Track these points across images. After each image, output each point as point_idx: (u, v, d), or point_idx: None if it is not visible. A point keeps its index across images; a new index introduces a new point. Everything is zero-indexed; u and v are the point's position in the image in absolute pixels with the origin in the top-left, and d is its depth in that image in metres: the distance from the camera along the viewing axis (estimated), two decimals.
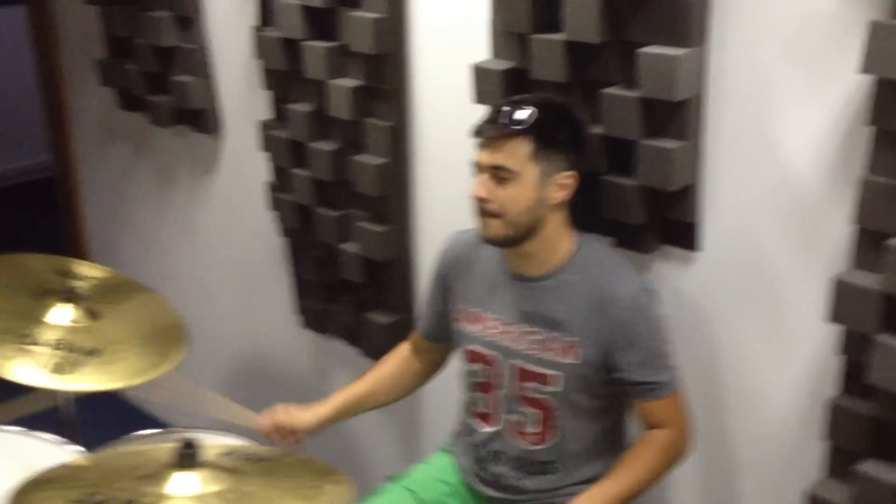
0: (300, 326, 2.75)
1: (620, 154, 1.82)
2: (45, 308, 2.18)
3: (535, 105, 1.73)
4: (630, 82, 1.75)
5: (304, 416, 2.05)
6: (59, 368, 2.04)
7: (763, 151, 1.69)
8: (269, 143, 2.57)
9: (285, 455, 1.70)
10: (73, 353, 2.08)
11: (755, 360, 1.82)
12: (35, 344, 2.06)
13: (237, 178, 2.84)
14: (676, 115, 1.71)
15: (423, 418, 2.57)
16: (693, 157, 1.75)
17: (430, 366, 2.13)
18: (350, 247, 2.43)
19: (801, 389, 1.77)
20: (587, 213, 1.90)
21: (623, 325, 1.73)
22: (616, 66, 1.79)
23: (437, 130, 2.23)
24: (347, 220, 2.44)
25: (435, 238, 2.11)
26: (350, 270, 2.45)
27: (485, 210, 1.75)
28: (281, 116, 2.51)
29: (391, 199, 2.32)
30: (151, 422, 3.16)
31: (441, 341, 2.04)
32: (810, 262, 1.69)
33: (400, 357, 2.14)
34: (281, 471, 1.62)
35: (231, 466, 1.59)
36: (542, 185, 1.72)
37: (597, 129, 1.82)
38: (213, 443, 2.04)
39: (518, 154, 1.70)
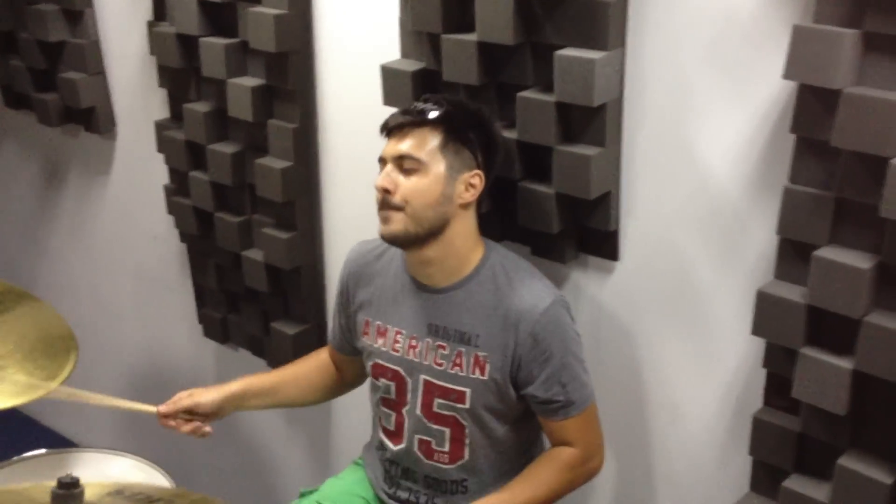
0: (202, 336, 2.63)
1: (536, 160, 1.75)
2: None
3: (446, 102, 1.68)
4: (546, 86, 1.68)
5: (206, 395, 1.92)
6: None
7: (683, 158, 1.63)
8: (166, 145, 2.44)
9: (180, 496, 1.56)
10: None
11: (678, 372, 1.77)
12: None
13: (132, 180, 2.71)
14: (594, 121, 1.65)
15: (334, 430, 2.49)
16: (611, 164, 1.69)
17: (346, 377, 2.03)
18: (253, 254, 2.32)
19: (726, 403, 1.73)
20: (502, 220, 1.84)
21: (533, 339, 1.66)
22: (531, 69, 1.72)
23: (345, 132, 2.15)
24: (250, 225, 2.33)
25: (344, 244, 2.03)
26: (254, 278, 2.34)
27: (387, 203, 1.66)
28: (178, 116, 2.39)
29: (296, 204, 2.22)
30: (41, 439, 2.99)
31: (352, 354, 1.96)
32: (733, 273, 1.64)
33: (317, 360, 2.04)
34: None
35: None
36: (449, 179, 1.65)
37: (511, 134, 1.75)
38: (105, 478, 1.93)
39: (426, 144, 1.64)
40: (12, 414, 3.23)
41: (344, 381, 2.04)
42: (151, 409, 1.92)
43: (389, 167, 1.67)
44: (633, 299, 1.79)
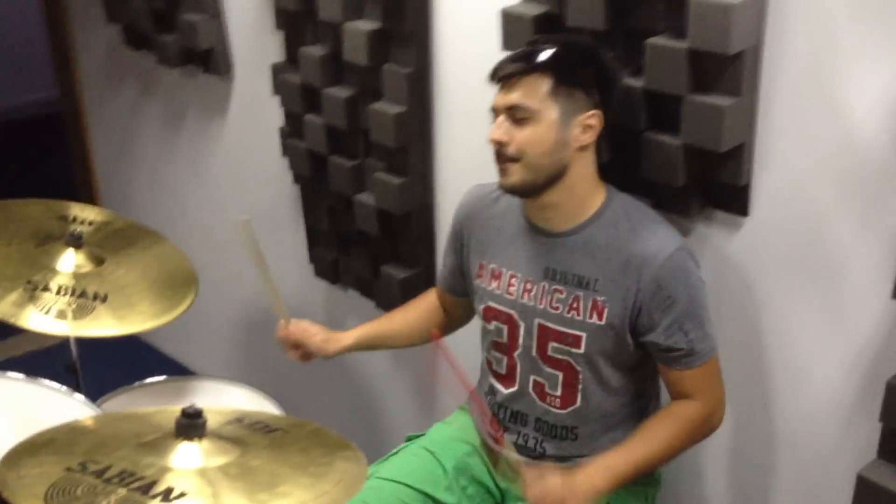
0: (313, 275, 2.66)
1: (663, 110, 1.68)
2: (50, 255, 2.14)
3: (556, 43, 1.63)
4: (678, 32, 1.61)
5: (327, 342, 1.98)
6: (67, 314, 1.99)
7: (825, 111, 1.55)
8: (281, 88, 2.44)
9: (297, 426, 1.59)
10: (81, 298, 2.05)
11: (805, 333, 1.70)
12: (43, 290, 2.02)
13: (249, 122, 2.73)
14: (729, 69, 1.57)
15: (441, 375, 2.47)
16: (746, 115, 1.61)
17: (453, 319, 2.05)
18: (365, 198, 2.31)
19: (855, 367, 1.65)
20: (624, 172, 1.77)
21: (657, 285, 1.62)
22: (662, 14, 1.64)
23: (461, 77, 2.11)
24: (363, 169, 2.32)
25: (456, 190, 2.01)
26: (365, 222, 2.34)
27: (503, 155, 1.65)
28: (294, 59, 2.38)
29: (409, 148, 2.20)
30: (160, 366, 3.08)
31: (461, 296, 1.96)
32: (874, 234, 1.55)
33: (427, 303, 2.07)
34: (291, 443, 1.51)
35: (238, 437, 1.49)
36: (563, 125, 1.61)
37: (638, 83, 1.69)
38: (221, 406, 1.97)
39: (536, 91, 1.60)
40: (135, 341, 3.35)
41: (450, 322, 2.05)
42: (283, 320, 1.99)
43: (501, 118, 1.64)
44: (761, 256, 1.72)
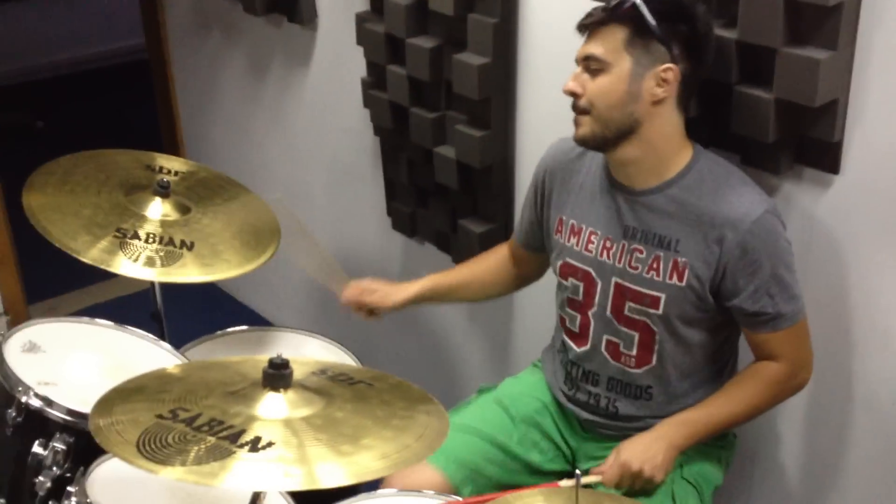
0: (391, 228, 2.67)
1: (755, 62, 1.63)
2: (138, 203, 2.17)
3: None
4: None
5: (390, 297, 2.02)
6: (155, 262, 2.03)
7: None
8: (365, 37, 2.43)
9: (379, 378, 1.61)
10: (168, 246, 2.08)
11: (893, 298, 1.65)
12: (132, 238, 2.06)
13: (331, 72, 2.73)
14: (827, 21, 1.52)
15: (515, 329, 2.49)
16: (842, 69, 1.56)
17: (526, 274, 2.05)
18: (445, 150, 2.31)
19: None
20: (713, 127, 1.73)
21: (742, 249, 1.59)
22: None
23: (547, 29, 2.07)
24: (444, 122, 2.31)
25: (537, 144, 1.99)
26: (444, 175, 2.33)
27: (575, 106, 1.64)
28: (378, 9, 2.37)
29: (492, 101, 2.17)
30: (237, 318, 3.14)
31: (537, 251, 1.95)
32: None
33: (498, 257, 2.07)
34: (373, 396, 1.53)
35: (322, 388, 1.52)
36: (636, 77, 1.58)
37: (731, 34, 1.63)
38: (305, 357, 2.01)
39: (611, 42, 1.58)
40: (215, 290, 3.42)
41: (521, 277, 2.05)
42: (340, 286, 2.04)
43: (579, 69, 1.63)
44: (851, 217, 1.67)
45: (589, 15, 1.62)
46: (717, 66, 1.66)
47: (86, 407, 1.55)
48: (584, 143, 1.66)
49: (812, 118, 1.61)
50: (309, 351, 2.25)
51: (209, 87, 3.31)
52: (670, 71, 1.58)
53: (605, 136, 1.62)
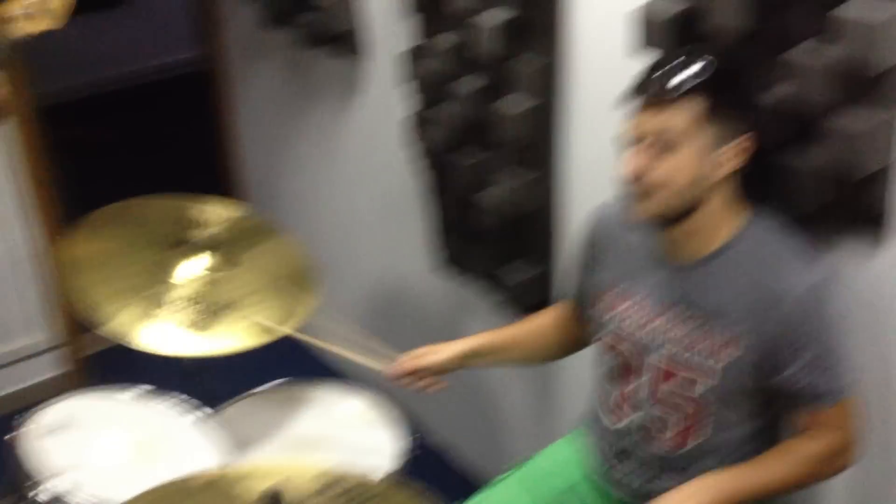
0: (436, 268, 2.64)
1: (795, 127, 1.55)
2: (169, 262, 2.13)
3: (706, 57, 1.47)
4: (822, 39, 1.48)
5: (436, 355, 1.90)
6: (191, 326, 2.02)
7: None
8: (412, 75, 2.41)
9: (391, 489, 1.53)
10: (203, 309, 2.05)
11: None
12: (162, 304, 2.04)
13: (378, 108, 2.71)
14: (875, 86, 1.44)
15: (559, 392, 2.43)
16: (888, 136, 1.48)
17: (577, 336, 1.92)
18: (491, 192, 2.27)
19: None
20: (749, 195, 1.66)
21: (792, 325, 1.49)
22: (805, 19, 1.51)
23: (594, 71, 2.01)
24: (490, 162, 2.27)
25: (585, 188, 1.93)
26: (490, 217, 2.30)
27: (641, 187, 1.50)
28: (426, 47, 2.35)
29: (539, 144, 2.13)
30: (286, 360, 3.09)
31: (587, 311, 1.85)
32: None
33: (548, 319, 1.96)
34: None
35: None
36: (712, 152, 1.47)
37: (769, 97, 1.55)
38: (333, 419, 1.98)
39: (687, 116, 1.45)
40: None
41: (573, 339, 1.93)
42: (378, 367, 1.94)
43: (641, 146, 1.49)
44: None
45: (658, 82, 1.46)
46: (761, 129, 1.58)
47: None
48: (647, 221, 1.55)
49: (857, 187, 1.52)
50: (347, 411, 2.17)
51: (264, 114, 3.33)
52: (748, 142, 1.49)
53: (672, 216, 1.51)
